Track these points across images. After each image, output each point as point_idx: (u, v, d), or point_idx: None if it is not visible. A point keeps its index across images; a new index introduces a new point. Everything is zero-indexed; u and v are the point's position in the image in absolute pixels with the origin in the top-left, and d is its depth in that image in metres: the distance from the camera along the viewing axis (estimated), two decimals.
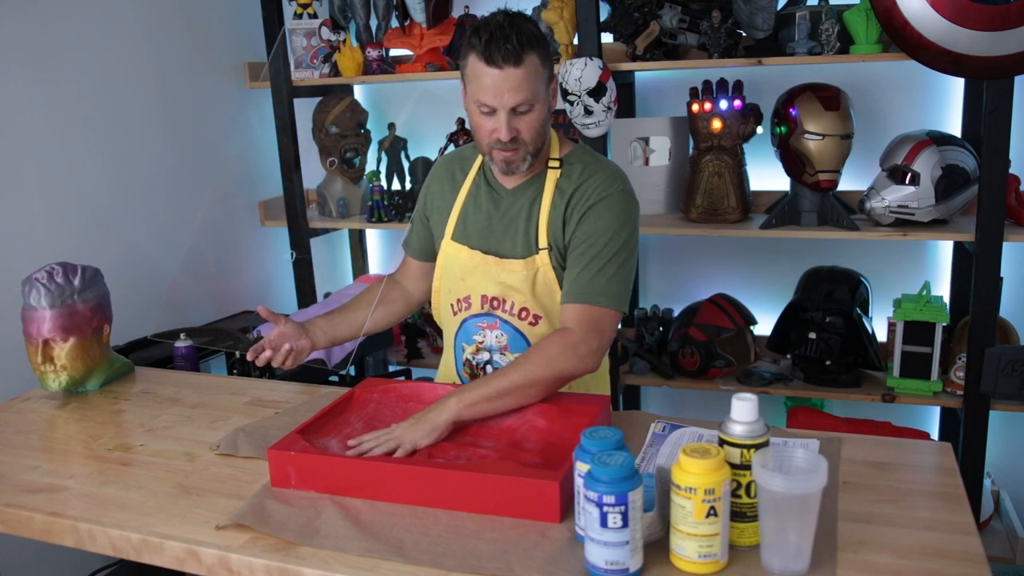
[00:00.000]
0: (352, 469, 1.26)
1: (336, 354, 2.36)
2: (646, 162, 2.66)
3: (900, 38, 2.05)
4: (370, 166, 2.96)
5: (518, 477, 1.19)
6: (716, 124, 2.40)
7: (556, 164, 1.58)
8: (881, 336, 2.52)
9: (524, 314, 1.58)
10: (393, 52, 2.86)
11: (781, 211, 2.39)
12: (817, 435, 1.40)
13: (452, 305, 1.65)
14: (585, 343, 1.44)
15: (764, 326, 2.63)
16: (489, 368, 1.63)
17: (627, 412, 1.56)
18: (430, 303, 1.73)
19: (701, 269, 2.79)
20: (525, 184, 1.59)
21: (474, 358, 1.63)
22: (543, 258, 1.55)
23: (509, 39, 1.40)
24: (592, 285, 1.47)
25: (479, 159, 1.66)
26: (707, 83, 2.43)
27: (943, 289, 2.56)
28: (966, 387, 2.25)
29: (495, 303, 1.59)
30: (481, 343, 1.62)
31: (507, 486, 1.19)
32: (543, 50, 1.46)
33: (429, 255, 1.75)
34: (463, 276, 1.61)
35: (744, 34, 2.38)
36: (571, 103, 2.34)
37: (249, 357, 1.60)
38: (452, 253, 1.63)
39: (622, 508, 1.00)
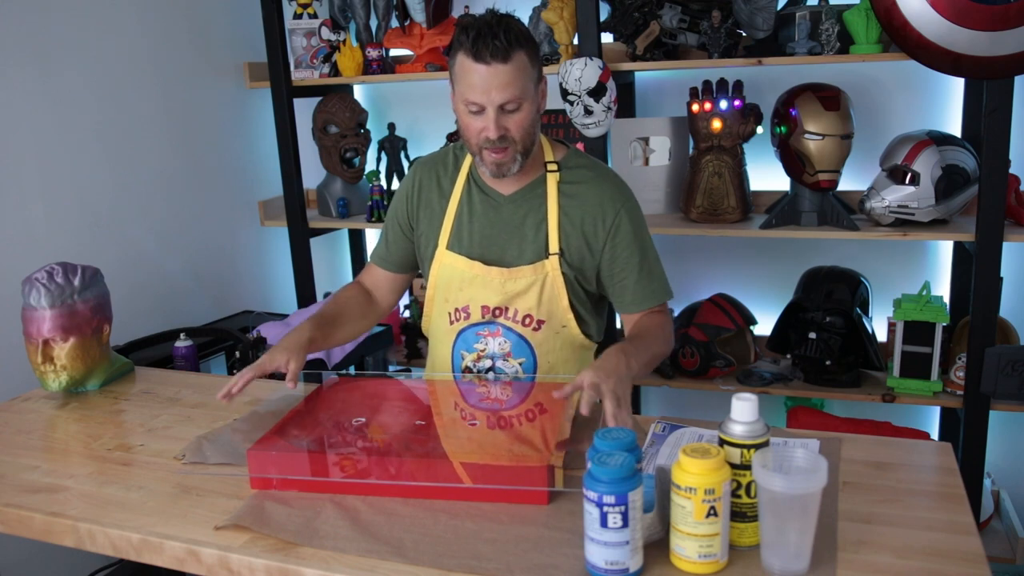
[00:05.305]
0: (334, 465, 1.29)
1: (336, 354, 2.36)
2: (646, 162, 2.66)
3: (900, 38, 2.04)
4: (370, 166, 2.97)
5: (508, 464, 1.20)
6: (716, 124, 2.40)
7: (554, 168, 1.57)
8: (881, 336, 2.52)
9: (528, 320, 1.58)
10: (393, 52, 2.87)
11: (781, 211, 2.39)
12: (817, 435, 1.40)
13: (450, 314, 1.62)
14: (672, 332, 1.62)
15: (764, 326, 2.63)
16: (491, 375, 1.62)
17: None
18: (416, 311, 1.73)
19: (701, 269, 2.79)
20: (525, 190, 1.58)
21: (475, 366, 1.62)
22: (553, 263, 1.55)
23: (497, 36, 1.40)
24: (651, 286, 1.58)
25: (466, 165, 1.63)
26: (707, 83, 2.43)
27: (943, 289, 2.56)
28: (966, 387, 2.25)
29: (497, 312, 1.58)
30: (483, 351, 1.61)
31: (495, 473, 1.21)
32: (532, 49, 1.46)
33: (406, 267, 1.71)
34: (461, 287, 1.59)
35: (744, 34, 2.38)
36: (571, 103, 2.34)
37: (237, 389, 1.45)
38: (449, 263, 1.60)
39: (622, 508, 1.00)
